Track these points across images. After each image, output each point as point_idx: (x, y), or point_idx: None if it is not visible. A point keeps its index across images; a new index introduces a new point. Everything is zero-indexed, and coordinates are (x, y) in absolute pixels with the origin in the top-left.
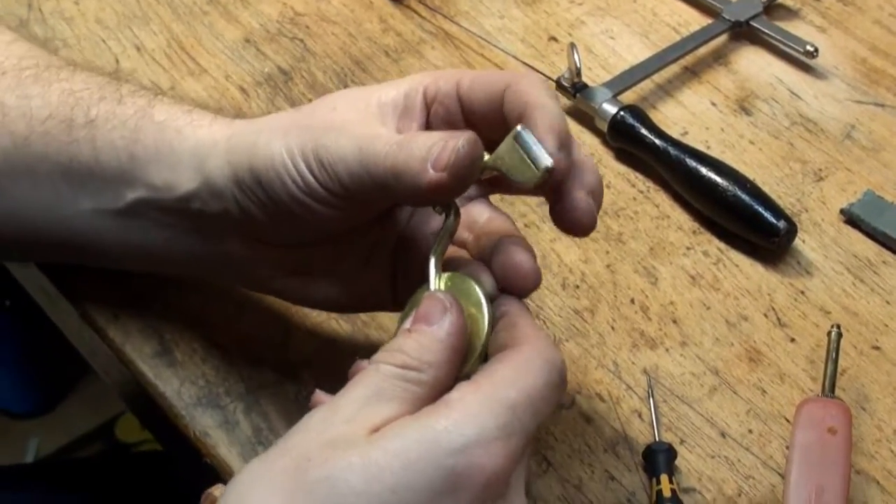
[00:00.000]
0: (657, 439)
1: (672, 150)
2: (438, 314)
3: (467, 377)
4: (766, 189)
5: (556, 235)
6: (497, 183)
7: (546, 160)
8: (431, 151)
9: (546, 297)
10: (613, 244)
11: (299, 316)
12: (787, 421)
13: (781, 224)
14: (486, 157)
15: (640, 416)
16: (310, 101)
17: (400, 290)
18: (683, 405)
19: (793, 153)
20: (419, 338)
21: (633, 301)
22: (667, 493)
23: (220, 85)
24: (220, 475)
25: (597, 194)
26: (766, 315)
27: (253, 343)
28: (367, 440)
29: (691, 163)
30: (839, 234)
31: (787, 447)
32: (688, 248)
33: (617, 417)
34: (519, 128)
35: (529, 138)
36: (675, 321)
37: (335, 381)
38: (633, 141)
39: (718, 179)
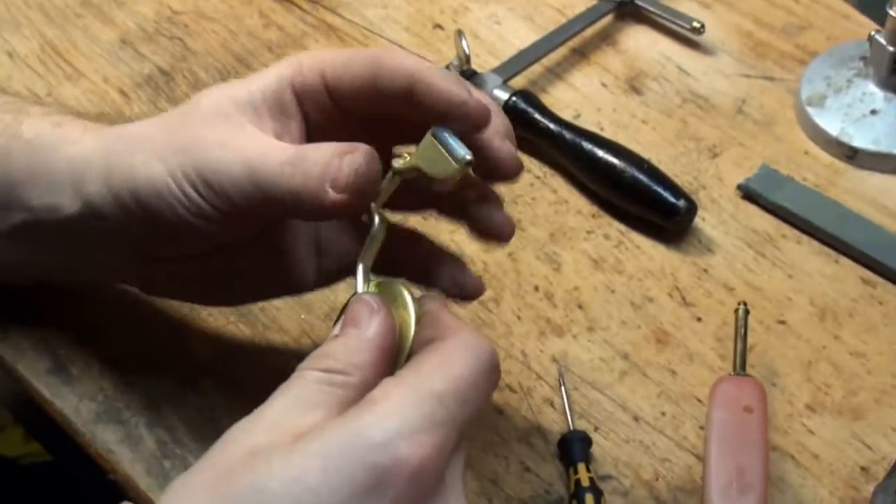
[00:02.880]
0: (571, 428)
1: (566, 134)
2: (366, 316)
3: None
4: (662, 168)
5: (456, 227)
6: (414, 186)
7: (465, 153)
8: (328, 172)
9: None
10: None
11: (197, 322)
12: (699, 401)
13: (681, 203)
14: (407, 158)
15: (552, 404)
16: None
17: (322, 264)
18: (595, 391)
19: (686, 130)
20: (346, 341)
21: (537, 288)
22: (585, 483)
23: (98, 88)
24: (124, 492)
25: (511, 137)
26: (670, 295)
27: (151, 354)
28: (289, 446)
29: (587, 146)
30: (738, 210)
31: (702, 427)
32: (588, 232)
33: (529, 408)
34: (435, 126)
35: (447, 134)
36: (580, 306)
37: (238, 388)
38: (526, 126)
39: (615, 161)
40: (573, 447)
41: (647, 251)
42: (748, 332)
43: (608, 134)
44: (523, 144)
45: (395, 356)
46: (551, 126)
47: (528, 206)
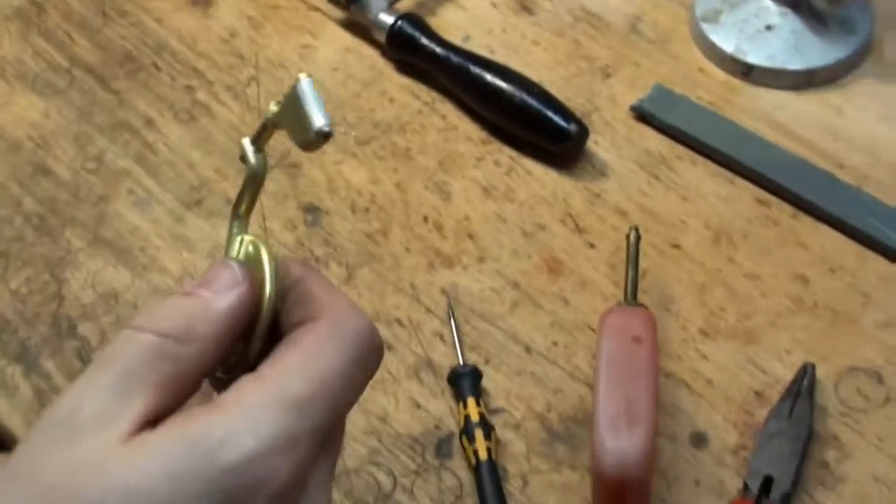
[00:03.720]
0: (461, 362)
1: (454, 58)
2: (225, 285)
3: (247, 362)
4: (554, 91)
5: (342, 157)
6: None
7: (321, 124)
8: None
9: (336, 223)
10: (401, 161)
11: (73, 265)
12: (592, 330)
13: (572, 127)
14: (276, 109)
15: (442, 338)
16: (67, 34)
17: None
18: (486, 323)
19: (579, 51)
20: (193, 303)
21: (426, 219)
22: (475, 418)
23: None
24: (3, 442)
25: None
26: (563, 222)
27: (25, 299)
28: (121, 458)
29: (475, 70)
30: (631, 132)
31: (594, 357)
32: (478, 160)
33: (419, 342)
34: (302, 78)
35: (308, 93)
36: (470, 236)
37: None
38: (413, 51)
39: (504, 85)
40: (463, 382)
41: (538, 177)
42: (641, 258)
43: (499, 57)
44: (411, 70)
45: (242, 338)
46: (438, 50)
47: (417, 134)
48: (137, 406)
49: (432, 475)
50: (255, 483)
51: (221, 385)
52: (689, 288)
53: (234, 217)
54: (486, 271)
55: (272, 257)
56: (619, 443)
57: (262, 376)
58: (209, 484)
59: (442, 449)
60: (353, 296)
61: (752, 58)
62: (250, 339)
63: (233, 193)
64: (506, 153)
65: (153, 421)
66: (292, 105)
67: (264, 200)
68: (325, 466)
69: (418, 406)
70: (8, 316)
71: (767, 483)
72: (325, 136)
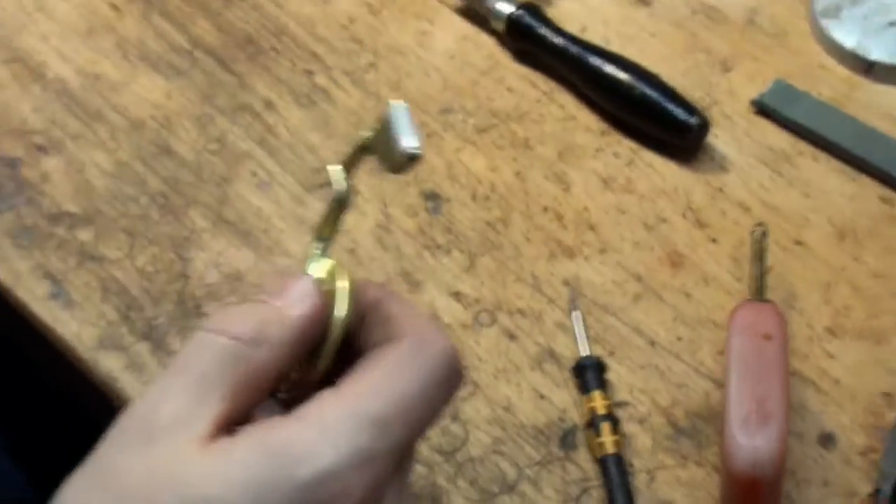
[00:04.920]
0: (586, 353)
1: (573, 48)
2: (298, 295)
3: (311, 382)
4: (672, 83)
5: (461, 145)
6: None
7: (408, 145)
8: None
9: (456, 210)
10: (520, 150)
11: (197, 245)
12: (716, 325)
13: (693, 120)
14: (370, 134)
15: (564, 329)
16: (189, 16)
17: None
18: (608, 315)
19: (696, 43)
20: (264, 309)
21: (546, 209)
22: (602, 410)
23: (89, 2)
24: None
25: None
26: (684, 216)
27: (151, 277)
28: (200, 465)
29: (594, 60)
30: (752, 126)
31: (720, 353)
32: (598, 150)
33: (541, 332)
34: (392, 102)
35: (404, 119)
36: (591, 227)
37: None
38: (531, 41)
39: (624, 76)
40: (588, 373)
41: (658, 170)
42: (767, 257)
43: (615, 48)
44: (529, 59)
45: (313, 350)
46: (556, 40)
47: (535, 124)
48: (214, 407)
49: (557, 467)
50: (331, 499)
51: (283, 404)
52: (815, 286)
53: (316, 239)
54: (608, 263)
55: (348, 279)
56: (752, 441)
57: (342, 392)
58: (286, 497)
59: (567, 440)
60: (474, 284)
61: (875, 54)
62: (317, 358)
63: (353, 177)
64: (625, 144)
65: (229, 425)
66: (384, 129)
67: (386, 187)
68: (399, 485)
69: (542, 397)
70: (135, 293)
71: None
72: (412, 158)
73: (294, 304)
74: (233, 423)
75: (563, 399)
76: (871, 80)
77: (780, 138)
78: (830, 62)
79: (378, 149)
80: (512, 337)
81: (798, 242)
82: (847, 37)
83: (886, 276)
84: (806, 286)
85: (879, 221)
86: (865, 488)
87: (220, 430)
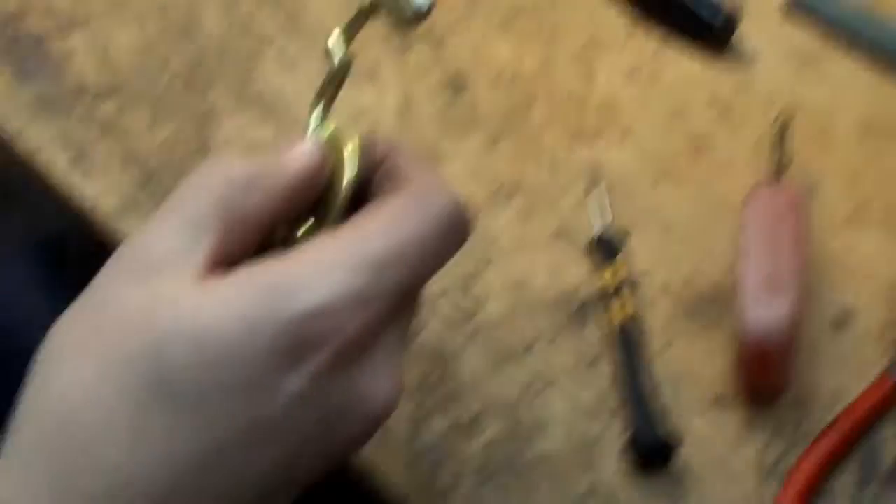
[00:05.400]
0: (607, 226)
1: None
2: (299, 150)
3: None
4: None
5: (486, 31)
6: None
7: (422, 4)
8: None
9: (479, 94)
10: (548, 37)
11: (219, 121)
12: (734, 209)
13: (718, 20)
14: None
15: (581, 210)
16: None
17: None
18: (628, 197)
19: None
20: (265, 160)
21: (569, 96)
22: (620, 279)
23: None
24: None
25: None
26: (709, 106)
27: (172, 150)
28: (195, 298)
29: None
30: (783, 23)
31: (739, 230)
32: (625, 42)
33: (558, 212)
34: None
35: None
36: (613, 115)
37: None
38: None
39: None
40: (606, 246)
41: (684, 63)
42: (789, 143)
43: None
44: None
45: (314, 205)
46: None
47: (564, 12)
48: (207, 245)
49: (573, 334)
50: (323, 334)
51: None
52: (836, 178)
53: (316, 108)
54: (629, 148)
55: (358, 137)
56: (765, 310)
57: (340, 235)
58: (278, 329)
59: (581, 313)
60: (494, 165)
61: None
62: (329, 213)
63: (373, 62)
64: (653, 37)
65: (224, 263)
66: None
67: (408, 69)
68: (396, 333)
69: (556, 271)
70: (154, 165)
71: None
72: (423, 15)
73: (293, 159)
74: (228, 263)
75: (578, 273)
76: None
77: (811, 36)
78: None
79: (386, 3)
80: (529, 215)
81: (823, 136)
82: None
83: None
84: (828, 178)
85: None
86: (880, 366)
87: (214, 268)
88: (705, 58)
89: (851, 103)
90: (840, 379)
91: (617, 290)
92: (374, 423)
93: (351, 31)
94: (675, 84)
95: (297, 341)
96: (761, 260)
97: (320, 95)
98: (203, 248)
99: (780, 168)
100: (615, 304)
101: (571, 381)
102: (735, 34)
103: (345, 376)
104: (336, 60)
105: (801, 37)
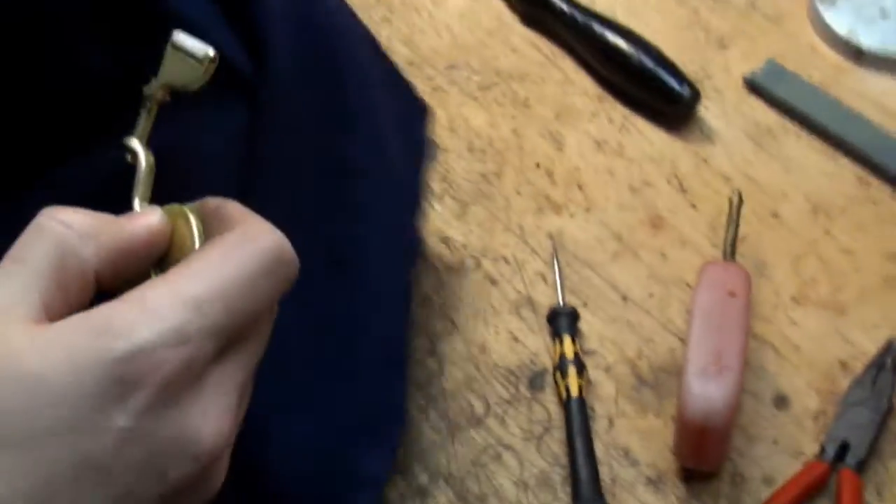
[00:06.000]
0: (561, 302)
1: (580, 16)
2: (141, 216)
3: None
4: (670, 56)
5: (463, 100)
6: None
7: (206, 50)
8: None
9: (452, 161)
10: (520, 109)
11: None
12: (688, 286)
13: (685, 89)
14: (153, 81)
15: (544, 279)
16: None
17: None
18: (587, 269)
19: (698, 20)
20: (108, 218)
21: (538, 166)
22: (570, 355)
23: None
24: None
25: None
26: (668, 181)
27: None
28: (25, 339)
29: (598, 28)
30: (741, 102)
31: (688, 311)
32: (593, 114)
33: (521, 280)
34: (173, 33)
35: (183, 37)
36: (580, 186)
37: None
38: (540, 6)
39: (624, 45)
40: (561, 321)
41: (648, 136)
42: (741, 222)
43: (620, 19)
44: (535, 22)
45: (157, 264)
46: (565, 7)
47: (536, 85)
48: (43, 292)
49: (524, 406)
50: (143, 371)
51: None
52: (785, 256)
53: (135, 202)
54: (592, 221)
55: (196, 212)
56: (707, 389)
57: (167, 277)
58: (103, 369)
59: (535, 382)
60: (463, 231)
61: (865, 42)
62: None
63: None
64: (619, 111)
65: (61, 311)
66: (171, 63)
67: None
68: (228, 371)
69: (516, 340)
70: None
71: (844, 449)
72: (211, 61)
73: (133, 221)
74: (65, 312)
75: (537, 344)
76: (860, 66)
77: (767, 115)
78: (823, 47)
79: (176, 78)
80: (494, 282)
81: (774, 214)
82: (840, 23)
83: (854, 252)
84: (777, 256)
85: (853, 200)
86: (813, 449)
87: (49, 313)
88: (669, 131)
89: (802, 182)
90: (776, 459)
91: (567, 365)
92: (206, 460)
93: (145, 130)
94: (639, 158)
95: (121, 380)
96: (707, 338)
97: (138, 192)
98: (37, 298)
99: (732, 246)
100: (566, 379)
101: (521, 452)
102: (697, 108)
103: (171, 413)
104: (142, 160)
105: (758, 115)
